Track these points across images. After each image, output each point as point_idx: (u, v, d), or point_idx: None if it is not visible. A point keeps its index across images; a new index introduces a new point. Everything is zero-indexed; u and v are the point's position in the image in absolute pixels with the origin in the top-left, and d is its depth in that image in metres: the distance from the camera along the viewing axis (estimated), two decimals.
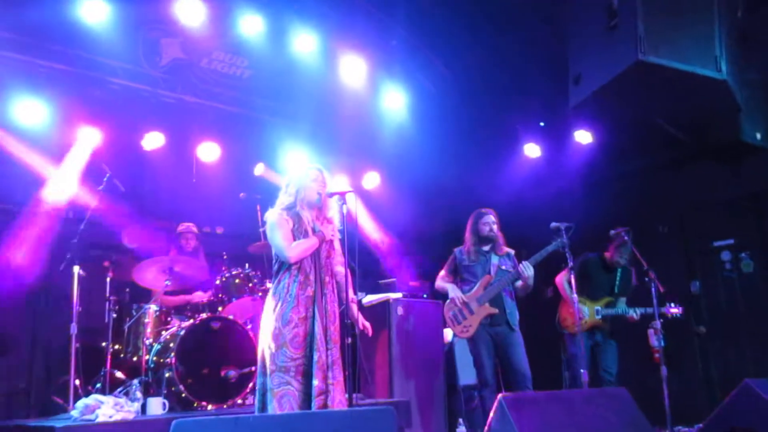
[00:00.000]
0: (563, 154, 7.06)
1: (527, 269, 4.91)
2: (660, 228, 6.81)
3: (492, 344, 5.03)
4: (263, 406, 3.48)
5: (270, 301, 3.64)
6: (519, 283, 5.04)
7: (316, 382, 3.45)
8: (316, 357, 3.48)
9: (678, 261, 6.69)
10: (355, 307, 3.75)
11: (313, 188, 3.77)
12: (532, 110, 6.91)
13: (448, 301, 5.20)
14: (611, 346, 5.59)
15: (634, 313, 5.44)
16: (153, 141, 6.39)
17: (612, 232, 5.40)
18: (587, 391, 4.27)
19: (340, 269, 3.83)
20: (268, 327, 3.56)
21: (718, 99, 4.81)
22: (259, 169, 7.00)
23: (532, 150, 7.27)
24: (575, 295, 4.81)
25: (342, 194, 3.79)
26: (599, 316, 5.53)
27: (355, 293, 3.92)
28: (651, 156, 6.68)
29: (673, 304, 5.26)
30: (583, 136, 6.75)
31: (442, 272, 5.34)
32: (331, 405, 3.45)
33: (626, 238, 5.30)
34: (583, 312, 5.57)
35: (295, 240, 3.65)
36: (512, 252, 5.26)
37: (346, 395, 3.56)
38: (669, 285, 5.06)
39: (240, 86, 6.57)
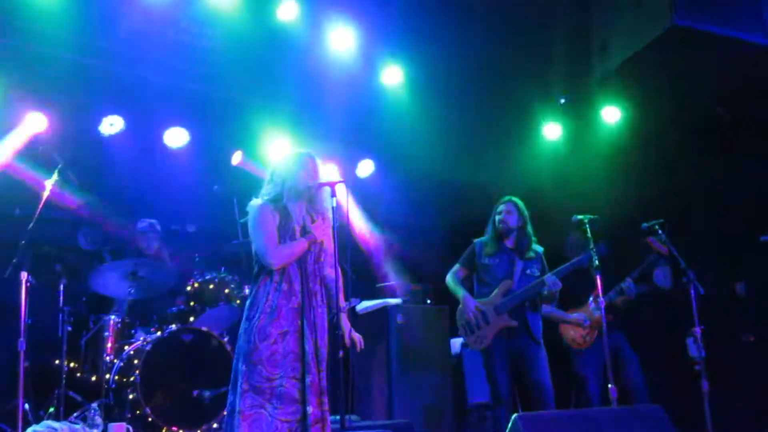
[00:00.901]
0: (587, 135, 7.04)
1: (555, 284, 4.90)
2: (700, 221, 6.81)
3: (509, 357, 5.02)
4: (231, 430, 3.47)
5: (247, 310, 3.63)
6: (545, 291, 5.03)
7: (310, 409, 3.44)
8: (308, 380, 3.48)
9: (721, 259, 6.69)
10: (343, 317, 3.74)
11: (303, 177, 3.74)
12: (552, 84, 6.89)
13: (460, 306, 5.19)
14: (628, 352, 5.61)
15: (625, 285, 5.44)
16: (111, 125, 6.37)
17: (644, 225, 5.40)
18: (616, 409, 4.27)
19: (330, 272, 3.81)
20: (244, 340, 3.55)
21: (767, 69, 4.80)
22: (236, 158, 6.98)
23: (551, 130, 7.26)
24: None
25: (332, 185, 3.77)
26: (598, 312, 5.47)
27: (347, 299, 3.92)
28: (689, 137, 6.66)
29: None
30: (611, 114, 6.74)
31: (457, 266, 5.30)
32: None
33: (661, 232, 5.30)
34: (584, 320, 5.61)
35: (280, 239, 3.64)
36: (541, 250, 5.24)
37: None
38: (710, 286, 5.05)
39: (211, 61, 6.54)
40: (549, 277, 4.94)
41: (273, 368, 3.48)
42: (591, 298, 5.56)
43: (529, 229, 5.19)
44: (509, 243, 5.16)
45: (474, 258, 5.23)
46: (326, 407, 3.50)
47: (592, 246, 4.83)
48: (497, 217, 5.18)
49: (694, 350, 5.85)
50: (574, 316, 5.68)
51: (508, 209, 5.16)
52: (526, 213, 5.20)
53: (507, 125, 7.33)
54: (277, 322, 3.54)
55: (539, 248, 5.24)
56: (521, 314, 5.01)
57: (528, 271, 5.10)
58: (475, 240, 5.30)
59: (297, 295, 3.60)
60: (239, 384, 3.49)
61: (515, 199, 5.23)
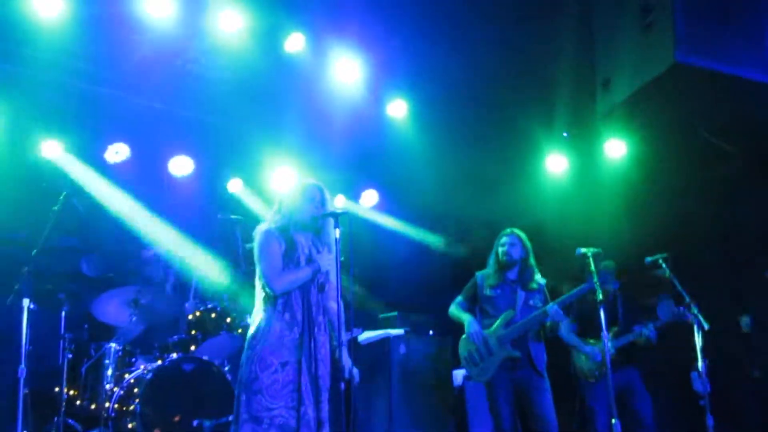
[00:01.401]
0: (591, 169, 7.08)
1: (557, 314, 4.92)
2: (705, 255, 6.81)
3: (513, 390, 5.00)
4: None
5: (250, 339, 3.63)
6: (546, 322, 5.04)
7: None
8: (302, 411, 3.47)
9: (725, 293, 6.68)
10: (344, 351, 3.73)
11: (309, 208, 3.76)
12: (555, 119, 6.94)
13: (464, 336, 5.19)
14: (640, 388, 5.59)
15: (648, 331, 5.47)
16: (116, 153, 6.42)
17: (648, 259, 5.41)
18: None
19: (332, 305, 3.80)
20: (245, 370, 3.56)
21: None
22: (233, 186, 7.01)
23: (555, 164, 7.30)
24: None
25: (336, 215, 3.79)
26: (613, 351, 5.48)
27: (349, 329, 3.92)
28: (694, 171, 6.69)
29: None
30: (615, 148, 6.78)
31: (459, 298, 5.31)
32: None
33: (663, 266, 5.31)
34: (595, 354, 5.60)
35: (285, 267, 3.64)
36: (543, 283, 5.26)
37: None
38: (715, 321, 5.04)
39: (218, 91, 6.60)
40: (551, 307, 4.95)
41: (273, 398, 3.47)
42: (609, 333, 5.54)
43: (532, 260, 5.21)
44: (512, 275, 5.17)
45: (476, 290, 5.24)
46: None
47: (596, 279, 4.83)
48: (500, 249, 5.19)
49: (698, 385, 5.83)
50: (588, 349, 5.68)
51: (512, 241, 5.18)
52: (528, 245, 5.22)
53: (511, 159, 7.36)
54: (279, 351, 3.54)
55: (542, 280, 5.26)
56: (524, 345, 5.00)
57: (530, 302, 5.11)
58: (477, 273, 5.31)
59: (299, 326, 3.60)
60: (240, 414, 3.49)
61: (518, 231, 5.26)
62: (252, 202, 7.07)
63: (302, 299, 3.66)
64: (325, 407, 3.56)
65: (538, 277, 5.23)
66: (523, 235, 5.24)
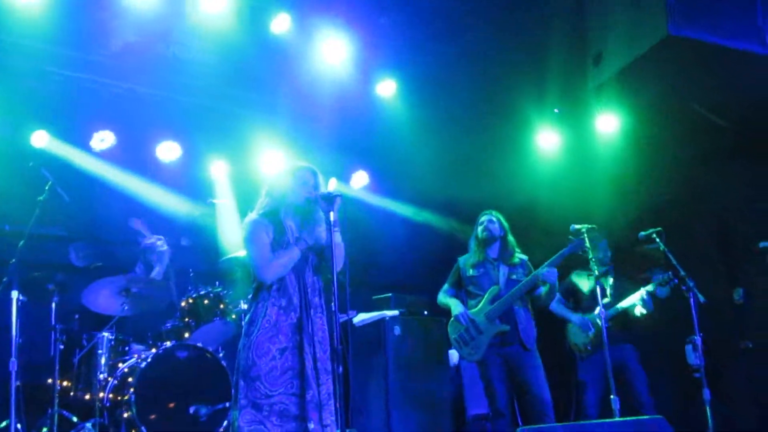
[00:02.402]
0: (583, 145, 7.05)
1: (551, 275, 4.93)
2: (698, 229, 6.82)
3: (505, 367, 5.03)
4: None
5: (246, 326, 3.60)
6: (541, 290, 5.06)
7: (312, 425, 3.41)
8: (309, 396, 3.45)
9: (718, 266, 6.70)
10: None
11: (299, 191, 3.71)
12: (547, 94, 6.90)
13: (451, 319, 5.22)
14: (635, 364, 5.60)
15: (642, 303, 5.49)
16: (102, 141, 6.33)
17: (642, 234, 5.41)
18: (620, 421, 4.24)
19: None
20: (243, 357, 3.53)
21: (763, 78, 4.81)
22: (216, 168, 6.95)
23: (547, 140, 7.26)
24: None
25: (329, 197, 3.74)
26: (607, 323, 5.47)
27: (344, 312, 3.90)
28: (686, 146, 6.68)
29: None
30: (607, 123, 6.75)
31: (445, 285, 5.40)
32: None
33: (658, 240, 5.31)
34: (584, 324, 5.61)
35: (275, 254, 3.61)
36: (525, 258, 5.29)
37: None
38: (709, 294, 5.05)
39: (203, 74, 6.52)
40: (542, 270, 4.98)
41: (272, 385, 3.45)
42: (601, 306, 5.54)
43: (511, 239, 5.29)
44: (492, 253, 5.26)
45: (459, 273, 5.33)
46: (328, 422, 3.47)
47: (592, 256, 4.84)
48: (479, 228, 5.29)
49: (693, 358, 5.85)
50: (576, 318, 5.70)
51: (490, 219, 5.29)
52: (506, 225, 5.32)
53: (502, 136, 7.32)
54: (276, 338, 3.51)
55: (524, 256, 5.31)
56: (512, 320, 5.04)
57: (513, 276, 5.17)
58: (459, 257, 5.38)
59: (296, 310, 3.57)
60: (239, 400, 3.47)
61: (495, 212, 5.35)
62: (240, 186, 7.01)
63: (297, 282, 3.62)
64: (325, 389, 3.53)
65: (519, 253, 5.30)
66: (500, 216, 5.33)
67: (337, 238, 3.63)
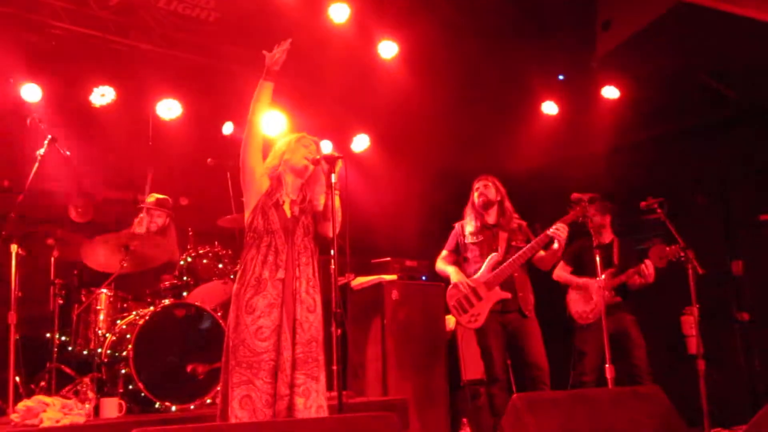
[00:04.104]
0: (587, 113, 6.99)
1: (563, 230, 4.86)
2: (699, 199, 6.79)
3: (503, 334, 5.05)
4: (225, 407, 3.45)
5: (236, 284, 3.61)
6: (541, 253, 5.02)
7: (280, 384, 3.42)
8: (285, 354, 3.44)
9: (718, 237, 6.70)
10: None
11: (302, 153, 3.74)
12: (551, 61, 6.82)
13: (450, 286, 5.20)
14: (635, 333, 5.61)
15: (641, 274, 5.47)
16: (102, 96, 6.27)
17: (643, 204, 5.38)
18: (616, 390, 4.27)
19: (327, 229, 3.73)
20: (232, 314, 3.54)
21: None
22: (227, 129, 6.89)
23: (550, 108, 7.20)
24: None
25: (330, 160, 3.71)
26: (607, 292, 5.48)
27: (345, 275, 3.90)
28: (691, 116, 6.64)
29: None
30: (611, 92, 6.68)
31: (443, 252, 5.36)
32: (297, 412, 3.39)
33: (659, 210, 5.28)
34: (588, 290, 5.63)
35: (265, 207, 3.62)
36: (524, 224, 5.25)
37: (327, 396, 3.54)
38: (708, 265, 5.04)
39: (205, 31, 6.43)
40: (555, 228, 4.89)
41: (260, 342, 3.44)
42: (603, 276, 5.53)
43: (508, 204, 5.22)
44: (490, 219, 5.20)
45: (457, 240, 5.29)
46: (299, 382, 3.44)
47: (591, 225, 4.82)
48: (476, 193, 5.22)
49: (689, 329, 5.87)
50: (581, 281, 5.68)
51: (485, 184, 5.21)
52: (502, 189, 5.24)
53: (505, 102, 7.26)
54: (263, 294, 3.50)
55: (522, 222, 5.27)
56: (512, 287, 5.04)
57: (513, 243, 5.13)
58: (456, 223, 5.32)
59: (284, 267, 3.56)
60: (228, 360, 3.49)
61: (491, 176, 5.27)
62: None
63: (287, 241, 3.61)
64: (303, 349, 3.50)
65: (517, 219, 5.24)
66: (496, 179, 5.25)
67: (336, 201, 3.63)
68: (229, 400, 3.41)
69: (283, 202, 3.67)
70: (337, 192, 3.64)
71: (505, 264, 5.01)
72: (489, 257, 5.08)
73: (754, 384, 6.44)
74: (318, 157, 3.75)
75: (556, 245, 4.97)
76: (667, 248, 5.22)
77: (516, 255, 5.01)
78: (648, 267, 5.47)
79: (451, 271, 5.22)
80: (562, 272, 5.83)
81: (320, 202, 3.75)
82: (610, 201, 5.75)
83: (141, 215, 5.75)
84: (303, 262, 3.63)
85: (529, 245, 5.02)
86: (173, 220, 5.94)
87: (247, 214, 3.71)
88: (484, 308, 5.02)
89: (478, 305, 5.05)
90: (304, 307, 3.57)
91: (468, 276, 5.14)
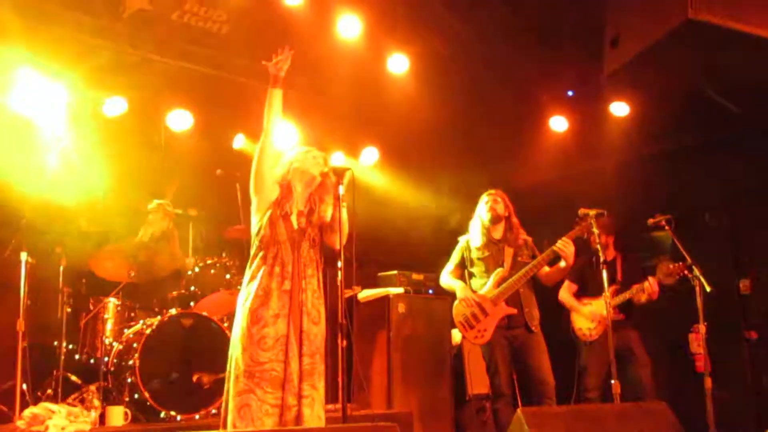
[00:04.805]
0: (595, 129, 6.99)
1: (568, 245, 4.84)
2: (706, 217, 6.77)
3: (509, 349, 5.03)
4: (226, 416, 3.47)
5: (242, 294, 3.62)
6: (546, 269, 4.99)
7: (290, 398, 3.43)
8: (293, 365, 3.46)
9: (726, 255, 6.67)
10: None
11: (311, 164, 3.77)
12: (560, 77, 6.84)
13: (456, 302, 5.19)
14: (639, 351, 5.58)
15: (647, 291, 5.43)
16: (114, 106, 6.31)
17: (650, 220, 5.37)
18: (620, 405, 4.25)
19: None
20: (237, 324, 3.55)
21: None
22: (237, 141, 6.93)
23: (558, 123, 7.21)
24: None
25: (338, 171, 3.74)
26: (612, 308, 5.45)
27: (352, 287, 3.91)
28: (698, 133, 6.63)
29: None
30: (620, 108, 6.69)
31: (449, 266, 5.34)
32: (304, 422, 3.40)
33: (667, 227, 5.27)
34: (593, 317, 5.59)
35: (273, 217, 3.61)
36: (529, 240, 5.24)
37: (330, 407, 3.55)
38: (715, 283, 5.02)
39: (217, 44, 6.48)
40: (560, 245, 4.87)
41: (264, 352, 3.45)
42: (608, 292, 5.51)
43: (515, 219, 5.21)
44: (496, 234, 5.18)
45: (463, 255, 5.27)
46: (306, 393, 3.47)
47: (598, 241, 4.80)
48: (484, 207, 5.19)
49: (697, 346, 5.84)
50: (588, 309, 5.65)
51: (495, 199, 5.20)
52: (510, 205, 5.23)
53: (514, 117, 7.27)
54: (268, 305, 3.52)
55: (527, 237, 5.26)
56: (518, 303, 5.02)
57: (519, 258, 5.12)
58: (461, 237, 5.31)
59: (290, 278, 3.57)
60: (232, 369, 3.49)
61: (499, 191, 5.27)
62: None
63: (293, 252, 3.62)
64: (310, 360, 3.53)
65: (523, 234, 5.22)
66: (504, 195, 5.25)
67: (344, 213, 3.65)
68: (229, 409, 3.42)
69: (291, 212, 3.69)
70: (344, 204, 3.67)
71: (511, 280, 5.00)
72: (495, 273, 5.07)
73: (761, 402, 6.39)
74: (326, 169, 3.77)
75: (563, 264, 4.96)
76: (674, 265, 5.21)
77: (522, 271, 5.00)
78: (652, 284, 5.44)
79: (457, 287, 5.20)
80: (566, 294, 5.80)
81: (327, 213, 3.77)
82: (614, 218, 5.74)
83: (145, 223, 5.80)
84: (309, 274, 3.64)
85: (534, 261, 5.02)
86: (176, 225, 5.97)
87: (254, 224, 3.73)
88: (491, 324, 5.01)
89: (484, 321, 5.03)
90: (309, 318, 3.59)
91: (474, 291, 5.13)
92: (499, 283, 5.03)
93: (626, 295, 5.53)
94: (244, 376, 3.42)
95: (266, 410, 3.39)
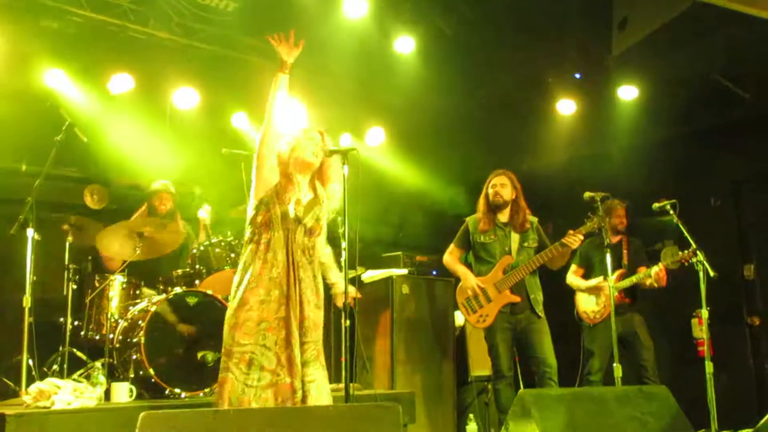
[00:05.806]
0: (602, 112, 6.97)
1: (577, 241, 4.84)
2: (712, 201, 6.76)
3: (511, 332, 5.03)
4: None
5: (235, 277, 3.64)
6: (548, 255, 4.99)
7: (287, 379, 3.47)
8: (288, 353, 3.49)
9: (731, 240, 6.66)
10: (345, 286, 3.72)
11: (306, 147, 3.70)
12: (567, 60, 6.79)
13: (460, 284, 5.19)
14: (643, 334, 5.59)
15: (652, 276, 5.42)
16: (120, 84, 6.31)
17: (656, 204, 5.36)
18: (622, 389, 4.27)
19: (325, 250, 3.82)
20: (229, 308, 3.59)
21: None
22: (242, 120, 6.92)
23: (565, 106, 7.18)
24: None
25: (344, 153, 3.73)
26: (617, 292, 5.47)
27: (354, 268, 3.90)
28: (705, 117, 6.59)
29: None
30: (627, 91, 6.66)
31: (452, 246, 5.32)
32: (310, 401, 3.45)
33: (672, 211, 5.26)
34: (597, 294, 5.61)
35: (273, 205, 3.60)
36: (535, 221, 5.20)
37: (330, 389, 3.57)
38: (720, 268, 5.02)
39: (223, 22, 6.46)
40: (569, 238, 4.85)
41: (245, 334, 3.48)
42: (613, 275, 5.52)
43: (522, 203, 5.14)
44: (503, 217, 5.13)
45: (468, 237, 5.21)
46: (312, 378, 3.50)
47: (605, 225, 4.80)
48: (490, 191, 5.12)
49: (699, 331, 5.85)
50: (596, 282, 5.66)
51: (502, 182, 5.11)
52: (518, 186, 5.15)
53: (521, 100, 7.24)
54: (255, 290, 3.53)
55: (533, 219, 5.20)
56: (522, 288, 5.00)
57: (525, 244, 5.08)
58: (468, 218, 5.26)
59: (278, 266, 3.56)
60: (223, 347, 3.54)
61: (507, 172, 5.18)
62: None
63: (285, 240, 3.61)
64: (312, 347, 3.56)
65: (530, 217, 5.17)
66: (512, 176, 5.16)
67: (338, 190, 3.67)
68: (220, 386, 3.48)
69: (289, 200, 3.66)
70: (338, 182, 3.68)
71: (516, 269, 4.99)
72: (501, 259, 5.04)
73: (763, 388, 6.41)
74: (327, 149, 3.73)
75: (548, 255, 4.97)
76: (679, 251, 5.20)
77: (529, 262, 4.97)
78: (660, 272, 5.43)
79: (462, 273, 5.17)
80: (573, 277, 5.83)
81: (332, 196, 3.76)
82: (621, 201, 5.74)
83: (145, 205, 5.82)
84: (303, 263, 3.63)
85: (542, 253, 4.98)
86: (176, 204, 5.99)
87: (250, 209, 3.70)
88: (493, 309, 5.01)
89: (487, 306, 5.03)
90: (308, 306, 3.59)
91: (478, 275, 5.12)
92: (504, 270, 5.02)
93: (633, 279, 5.54)
94: (225, 355, 3.49)
95: (242, 390, 3.43)
